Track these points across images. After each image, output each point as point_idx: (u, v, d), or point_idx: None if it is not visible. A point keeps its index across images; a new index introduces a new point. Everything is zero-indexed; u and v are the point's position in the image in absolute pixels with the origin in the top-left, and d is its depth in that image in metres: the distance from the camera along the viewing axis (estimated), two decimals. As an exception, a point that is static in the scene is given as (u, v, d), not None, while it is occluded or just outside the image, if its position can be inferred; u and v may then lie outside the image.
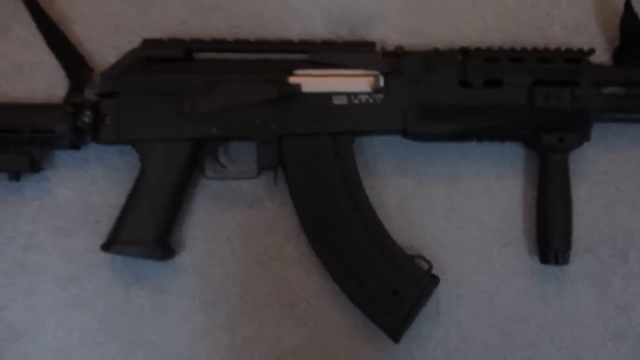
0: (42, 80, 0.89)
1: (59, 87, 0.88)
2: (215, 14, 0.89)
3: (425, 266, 0.83)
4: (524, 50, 0.84)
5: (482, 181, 0.88)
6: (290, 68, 0.83)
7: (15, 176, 0.85)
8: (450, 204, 0.88)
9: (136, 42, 0.86)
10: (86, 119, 0.82)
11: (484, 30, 0.90)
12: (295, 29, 0.89)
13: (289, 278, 0.87)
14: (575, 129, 0.83)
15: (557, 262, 0.84)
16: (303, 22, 0.90)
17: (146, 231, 0.82)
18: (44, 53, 0.89)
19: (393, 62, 0.83)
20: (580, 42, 0.88)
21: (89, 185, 0.88)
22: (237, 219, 0.88)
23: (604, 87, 0.84)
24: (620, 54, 0.87)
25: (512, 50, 0.84)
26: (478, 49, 0.84)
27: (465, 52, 0.83)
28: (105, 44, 0.89)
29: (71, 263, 0.87)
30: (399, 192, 0.88)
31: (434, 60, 0.83)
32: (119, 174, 0.87)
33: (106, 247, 0.83)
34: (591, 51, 0.83)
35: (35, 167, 0.85)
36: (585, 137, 0.83)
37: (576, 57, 0.83)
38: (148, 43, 0.84)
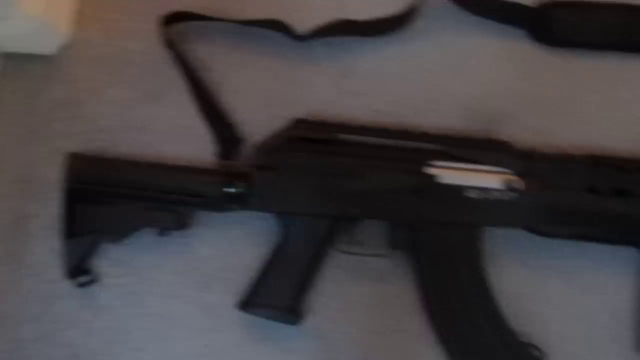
0: (191, 143, 0.96)
1: (205, 152, 0.95)
2: (359, 97, 0.96)
3: (537, 354, 0.88)
4: (650, 162, 0.88)
5: (595, 278, 0.92)
6: (426, 159, 0.88)
7: (163, 232, 0.92)
8: (564, 297, 0.92)
9: (282, 116, 0.93)
10: (240, 189, 0.89)
11: (610, 136, 0.94)
12: (431, 119, 0.95)
13: (408, 350, 0.92)
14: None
15: (663, 364, 0.88)
16: (439, 113, 0.96)
17: (281, 297, 0.89)
18: (196, 119, 0.96)
19: (525, 163, 0.88)
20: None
21: (228, 245, 0.94)
22: (361, 291, 0.93)
23: None
24: None
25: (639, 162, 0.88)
26: (607, 158, 0.88)
27: (594, 159, 0.88)
28: (253, 116, 0.96)
29: (205, 315, 0.93)
30: (516, 280, 0.92)
31: (564, 164, 0.87)
32: (257, 237, 0.94)
33: (242, 306, 0.90)
34: None
35: (182, 225, 0.92)
36: None
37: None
38: (300, 123, 0.91)
